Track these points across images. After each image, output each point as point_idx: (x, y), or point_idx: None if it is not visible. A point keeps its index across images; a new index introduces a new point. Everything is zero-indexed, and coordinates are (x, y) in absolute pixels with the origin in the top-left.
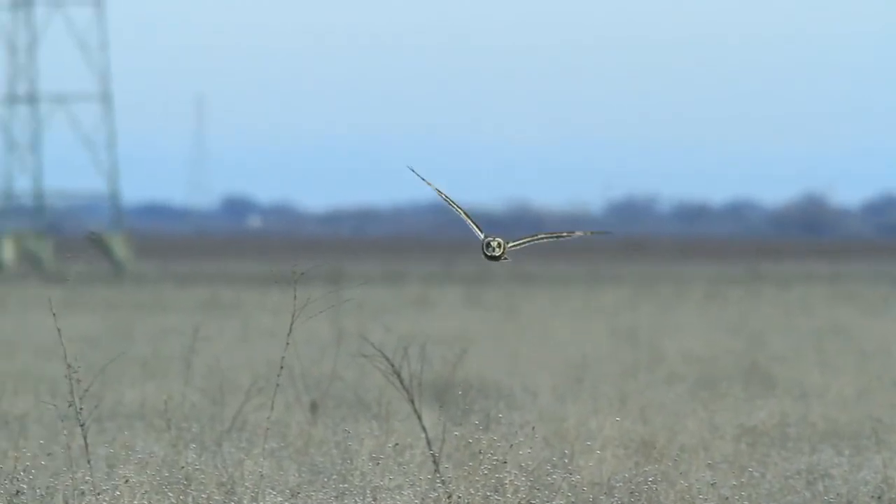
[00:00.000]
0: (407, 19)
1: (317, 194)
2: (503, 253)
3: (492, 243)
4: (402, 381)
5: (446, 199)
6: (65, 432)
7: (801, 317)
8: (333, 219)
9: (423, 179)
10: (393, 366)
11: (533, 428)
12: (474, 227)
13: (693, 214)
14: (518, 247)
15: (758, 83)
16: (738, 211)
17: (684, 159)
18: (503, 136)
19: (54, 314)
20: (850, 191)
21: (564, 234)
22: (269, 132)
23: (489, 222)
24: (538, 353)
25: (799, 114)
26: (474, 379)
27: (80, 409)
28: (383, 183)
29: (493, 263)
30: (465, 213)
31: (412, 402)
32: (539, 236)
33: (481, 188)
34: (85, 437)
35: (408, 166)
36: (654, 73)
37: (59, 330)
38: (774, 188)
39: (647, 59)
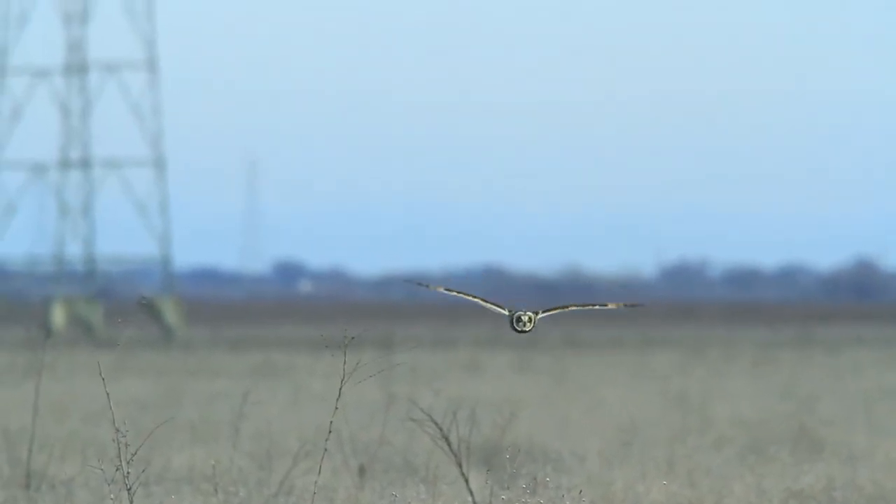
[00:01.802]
0: (460, 84)
1: (367, 259)
2: (534, 326)
3: (522, 318)
4: (450, 445)
5: (457, 293)
6: (112, 496)
7: (850, 380)
8: (384, 283)
9: (426, 285)
10: (441, 430)
11: (580, 492)
12: (494, 307)
13: (744, 279)
14: (548, 315)
15: (809, 146)
16: (789, 275)
17: (736, 223)
18: (555, 201)
19: (103, 378)
20: None
21: (596, 305)
22: (321, 197)
23: (542, 287)
24: (587, 418)
25: (850, 177)
26: (523, 443)
27: (128, 472)
28: (434, 247)
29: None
30: (481, 299)
31: (460, 465)
32: (570, 307)
33: (534, 254)
34: (132, 502)
35: (404, 280)
36: (706, 135)
37: (107, 394)
38: (826, 252)
39: (698, 122)
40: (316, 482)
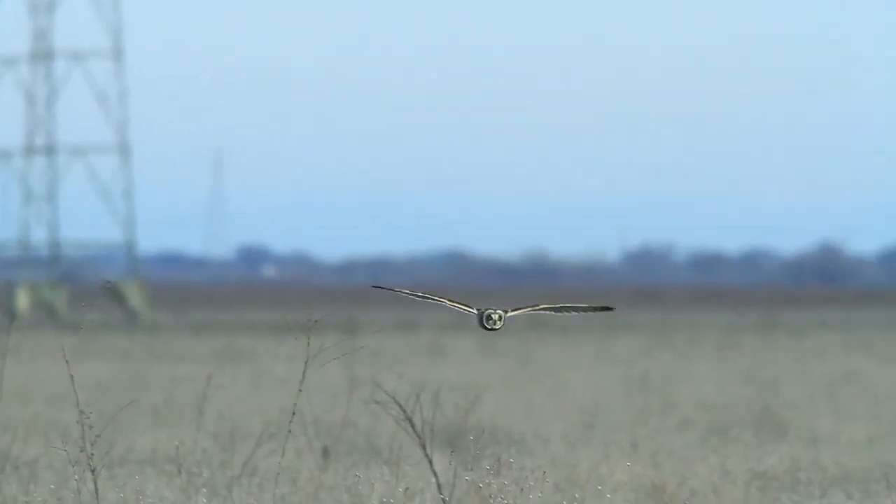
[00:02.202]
0: (423, 73)
1: (331, 244)
2: (503, 324)
3: (493, 315)
4: (413, 427)
5: (422, 296)
6: (76, 477)
7: (814, 364)
8: (348, 268)
9: (392, 289)
10: (405, 411)
11: (544, 473)
12: (462, 306)
13: (709, 263)
14: (516, 314)
15: (773, 133)
16: (753, 260)
17: (700, 209)
18: (519, 186)
19: (67, 361)
20: (866, 240)
21: (568, 306)
22: (285, 182)
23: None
24: (551, 400)
25: (815, 163)
26: (486, 425)
27: (92, 454)
28: (397, 233)
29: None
30: (447, 300)
31: (423, 447)
32: (540, 307)
33: (498, 239)
34: (95, 483)
35: (372, 285)
36: (670, 122)
37: (71, 377)
38: (790, 237)
39: (663, 110)
40: (279, 463)
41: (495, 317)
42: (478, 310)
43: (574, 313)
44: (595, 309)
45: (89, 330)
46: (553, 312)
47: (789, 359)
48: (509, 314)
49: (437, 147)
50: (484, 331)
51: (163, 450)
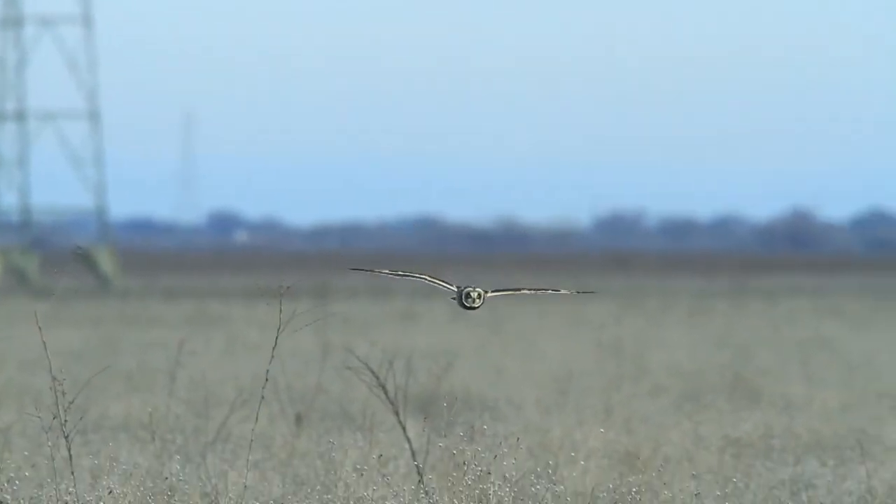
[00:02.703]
0: (393, 38)
1: (303, 210)
2: (483, 302)
3: (472, 293)
4: (386, 394)
5: (402, 274)
6: (49, 444)
7: (786, 330)
8: (319, 234)
9: (372, 270)
10: (378, 378)
11: (517, 439)
12: (442, 283)
13: (680, 229)
14: (496, 296)
15: (745, 99)
16: (724, 226)
17: (671, 175)
18: (490, 152)
19: (40, 328)
20: (837, 206)
21: (549, 290)
22: (256, 148)
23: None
24: (523, 367)
25: (786, 129)
26: (459, 391)
27: (65, 420)
28: (369, 198)
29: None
30: (428, 277)
31: (397, 413)
32: (522, 290)
33: (469, 204)
34: (69, 449)
35: (351, 268)
36: (641, 89)
37: (44, 343)
38: (761, 203)
39: (633, 76)
40: (253, 430)
41: (474, 294)
42: (457, 287)
43: (554, 293)
44: (577, 292)
45: (61, 296)
46: (534, 293)
47: (761, 325)
48: (490, 294)
49: (408, 113)
50: (463, 309)
51: (136, 416)
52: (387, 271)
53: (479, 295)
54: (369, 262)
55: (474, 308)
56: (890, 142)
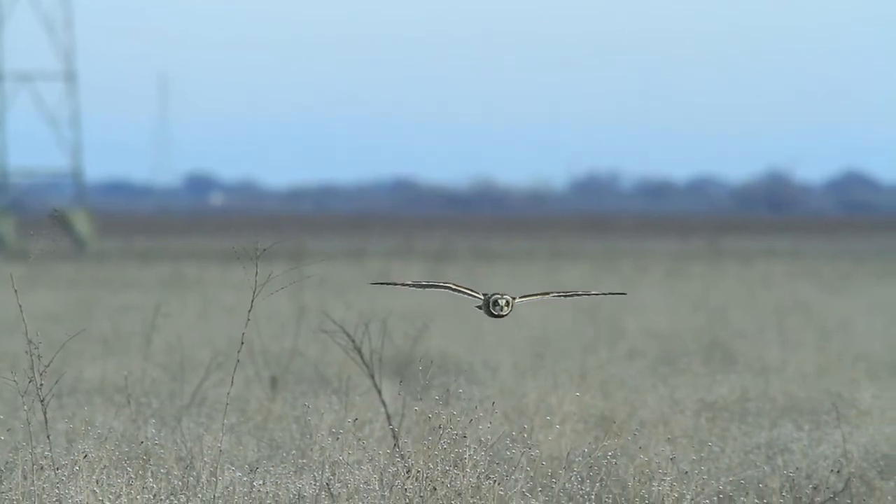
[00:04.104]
0: (370, 2)
1: (278, 172)
2: (511, 309)
3: (500, 301)
4: (362, 357)
5: (426, 284)
6: (25, 407)
7: (762, 293)
8: (295, 196)
9: (394, 283)
10: (353, 341)
11: (493, 403)
12: (468, 292)
13: (656, 191)
14: (525, 301)
15: (721, 62)
16: (700, 188)
17: (647, 136)
18: (467, 114)
19: (16, 290)
20: (813, 168)
21: (578, 293)
22: (232, 110)
23: (453, 200)
24: (499, 330)
25: (762, 91)
26: (435, 355)
27: (41, 384)
28: (344, 160)
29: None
30: (453, 285)
31: (372, 377)
32: (550, 294)
33: (445, 166)
34: (45, 413)
35: (371, 282)
36: (617, 52)
37: (20, 306)
38: (737, 165)
39: (609, 39)
40: (228, 393)
41: (502, 302)
42: (484, 295)
43: (584, 295)
44: (608, 294)
45: (37, 259)
46: (563, 298)
47: (737, 287)
48: (517, 300)
49: (384, 76)
50: (490, 317)
51: (111, 379)
52: (410, 283)
53: (508, 302)
54: (346, 224)
55: (502, 316)
56: (865, 104)
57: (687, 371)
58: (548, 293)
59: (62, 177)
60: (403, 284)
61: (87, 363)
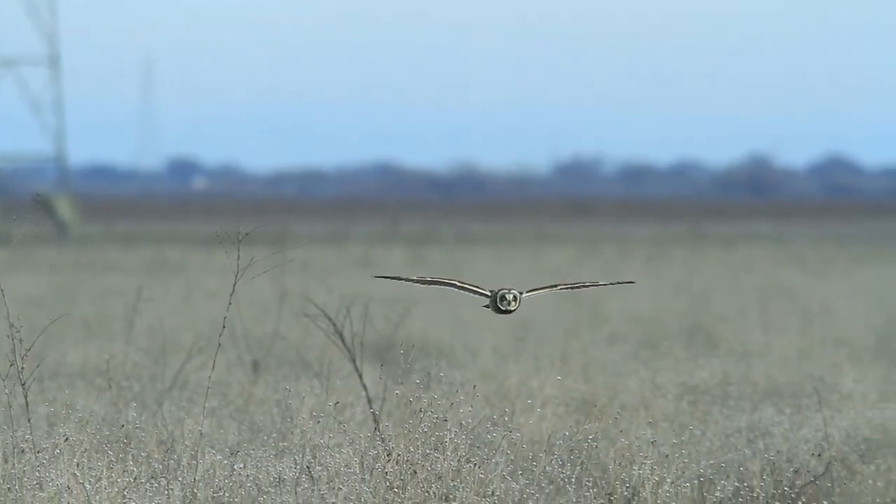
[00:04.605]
0: None
1: (262, 156)
2: (519, 304)
3: (507, 296)
4: (343, 341)
5: (430, 280)
6: (6, 391)
7: (744, 277)
8: (278, 180)
9: (398, 278)
10: (335, 325)
11: (474, 386)
12: (475, 289)
13: (638, 175)
14: (532, 296)
15: (703, 45)
16: (682, 172)
17: (630, 120)
18: (449, 98)
19: None
20: (796, 152)
21: (587, 283)
22: (215, 95)
23: (435, 184)
24: (480, 314)
25: (745, 75)
26: (416, 339)
27: (22, 368)
28: (327, 145)
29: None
30: (458, 283)
31: (353, 360)
32: (558, 286)
33: (427, 150)
34: (26, 396)
35: (375, 276)
36: (600, 36)
37: (2, 290)
38: (720, 149)
39: (591, 22)
40: (210, 377)
41: (510, 297)
42: (491, 291)
43: (592, 285)
44: (616, 283)
45: (20, 243)
46: (571, 289)
47: (719, 271)
48: (525, 294)
49: (368, 59)
50: (497, 313)
51: (93, 363)
52: (415, 279)
53: (515, 297)
54: (328, 208)
55: (510, 311)
56: (847, 88)
57: (669, 355)
58: (555, 286)
59: (45, 161)
60: (408, 280)
61: (69, 347)
